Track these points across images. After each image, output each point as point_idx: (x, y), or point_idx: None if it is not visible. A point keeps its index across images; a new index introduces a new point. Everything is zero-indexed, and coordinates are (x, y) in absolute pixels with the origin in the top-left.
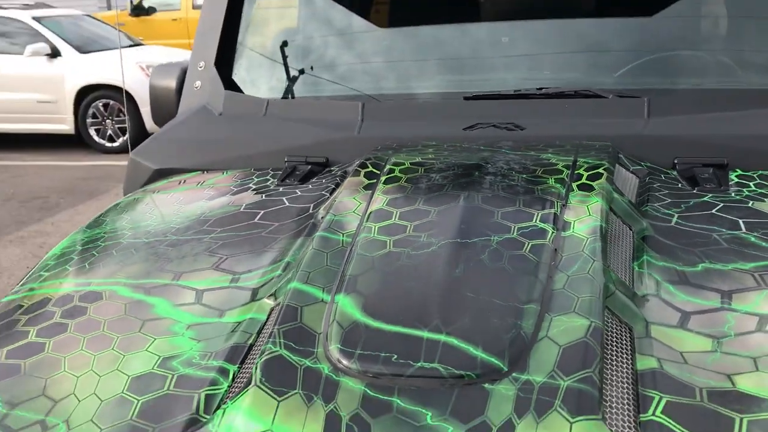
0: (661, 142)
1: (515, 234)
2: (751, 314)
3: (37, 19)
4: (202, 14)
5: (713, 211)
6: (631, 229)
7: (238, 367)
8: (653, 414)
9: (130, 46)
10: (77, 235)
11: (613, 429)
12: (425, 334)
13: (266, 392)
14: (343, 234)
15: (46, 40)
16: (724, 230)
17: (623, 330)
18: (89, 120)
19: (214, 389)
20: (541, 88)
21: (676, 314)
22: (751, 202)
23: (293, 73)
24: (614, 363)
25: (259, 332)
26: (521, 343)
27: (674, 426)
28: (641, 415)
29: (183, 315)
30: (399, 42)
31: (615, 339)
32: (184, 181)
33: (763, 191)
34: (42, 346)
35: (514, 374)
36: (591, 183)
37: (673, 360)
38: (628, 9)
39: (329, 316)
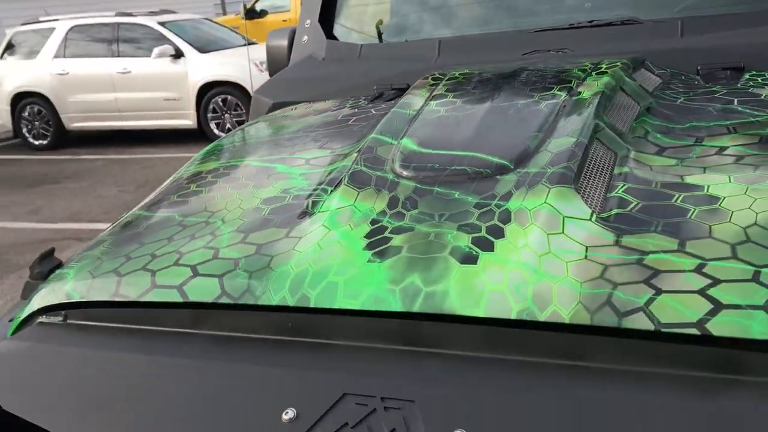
0: (687, 54)
1: (536, 99)
2: (715, 146)
3: (162, 24)
4: None
5: (717, 95)
6: (638, 104)
7: (334, 187)
8: (616, 192)
9: (246, 44)
10: (218, 141)
11: (583, 197)
12: (459, 152)
13: (350, 187)
14: (410, 109)
15: (171, 43)
16: (719, 105)
17: (608, 153)
18: (210, 114)
19: (318, 197)
20: (591, 21)
21: (655, 147)
22: (752, 89)
23: (381, 23)
24: (596, 169)
25: None
26: (525, 153)
27: (631, 199)
28: (608, 193)
29: (296, 170)
30: None
31: (600, 157)
32: (295, 108)
33: (767, 82)
34: (201, 191)
35: (517, 170)
36: (607, 70)
37: (642, 169)
38: None
39: (395, 150)
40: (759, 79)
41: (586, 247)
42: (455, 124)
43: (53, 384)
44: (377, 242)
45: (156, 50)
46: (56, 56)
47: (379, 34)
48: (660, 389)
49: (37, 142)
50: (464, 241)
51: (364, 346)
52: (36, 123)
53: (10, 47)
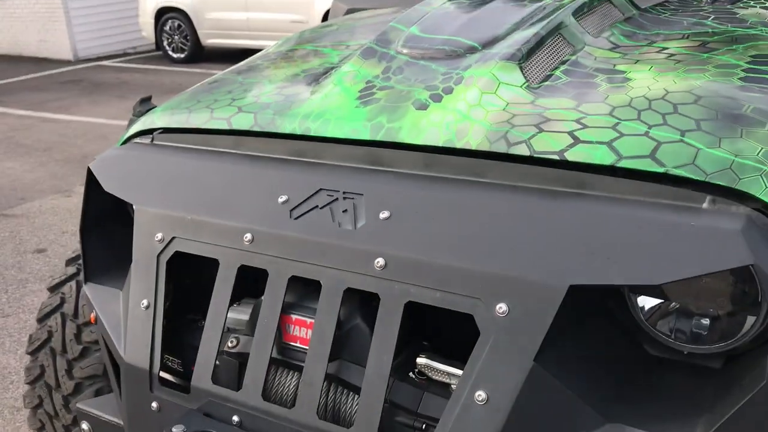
0: None
1: (526, 2)
2: (660, 47)
3: None
4: None
5: (701, 12)
6: (622, 14)
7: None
8: (553, 71)
9: None
10: (295, 33)
11: (524, 71)
12: (447, 36)
13: (360, 58)
14: (429, 6)
15: None
16: (694, 19)
17: (566, 45)
18: None
19: (339, 66)
20: None
21: (611, 45)
22: (736, 10)
23: None
24: (547, 55)
25: None
26: (494, 39)
27: (562, 76)
28: (548, 72)
29: (336, 52)
30: None
31: (555, 46)
32: (362, 13)
33: (754, 4)
34: (263, 64)
35: (483, 50)
36: None
37: (587, 59)
38: None
39: (403, 34)
40: (751, 2)
41: (507, 103)
42: (454, 17)
43: (138, 176)
44: (365, 95)
45: None
46: None
47: None
48: (531, 197)
49: (175, 55)
50: (424, 95)
51: (342, 165)
52: (176, 37)
53: None
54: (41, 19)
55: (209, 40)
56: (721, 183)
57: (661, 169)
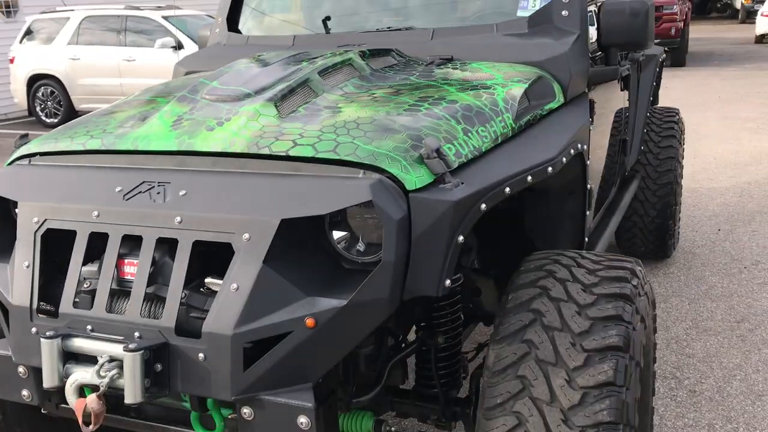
0: (431, 49)
1: (292, 64)
2: (368, 93)
3: (165, 18)
4: None
5: (413, 72)
6: (358, 72)
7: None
8: (298, 107)
9: None
10: (146, 88)
11: (278, 107)
12: (233, 87)
13: (175, 102)
14: (233, 68)
15: (173, 35)
16: (404, 76)
17: (310, 92)
18: None
19: (164, 108)
20: (389, 27)
21: (341, 92)
22: (435, 70)
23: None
24: (297, 98)
25: None
26: (263, 88)
27: (302, 111)
28: (295, 108)
29: (164, 99)
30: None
31: (303, 92)
32: (196, 73)
33: (452, 66)
34: (119, 105)
35: (255, 95)
36: (345, 53)
37: (322, 100)
38: None
39: (207, 86)
40: (449, 65)
41: (263, 126)
42: (243, 75)
43: (21, 183)
44: (176, 124)
45: (159, 41)
46: (70, 43)
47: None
48: (266, 176)
49: (48, 120)
50: (213, 122)
51: (158, 167)
52: (48, 103)
53: (29, 33)
54: None
55: (83, 105)
56: (366, 162)
57: (336, 156)
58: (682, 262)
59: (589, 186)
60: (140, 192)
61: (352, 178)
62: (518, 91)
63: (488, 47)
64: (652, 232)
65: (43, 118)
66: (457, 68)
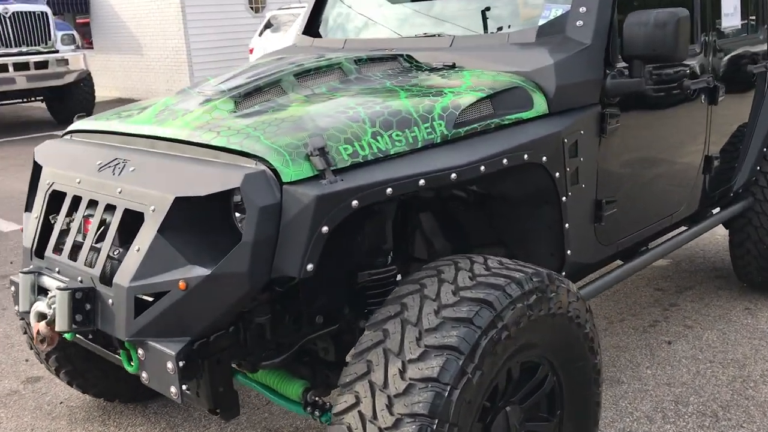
0: (449, 55)
1: (278, 65)
2: (338, 94)
3: None
4: None
5: (401, 75)
6: (345, 75)
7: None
8: (255, 106)
9: None
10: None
11: (237, 104)
12: (217, 85)
13: (175, 94)
14: (244, 67)
15: None
16: (387, 80)
17: (280, 91)
18: None
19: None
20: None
21: (309, 92)
22: (421, 75)
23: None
24: (264, 96)
25: None
26: (236, 87)
27: (263, 107)
28: (257, 106)
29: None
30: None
31: (272, 91)
32: None
33: (441, 73)
34: (149, 100)
35: (227, 92)
36: (337, 57)
37: (283, 99)
38: None
39: (209, 83)
40: (440, 72)
41: (211, 118)
42: (237, 74)
43: (51, 153)
44: (161, 113)
45: None
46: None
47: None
48: (184, 159)
49: None
50: (180, 114)
51: (129, 147)
52: None
53: (267, 26)
54: (169, 71)
55: None
56: (259, 155)
57: (240, 148)
58: None
59: (563, 198)
60: (109, 166)
61: (237, 167)
62: (468, 99)
63: (489, 56)
64: None
65: None
66: (442, 75)
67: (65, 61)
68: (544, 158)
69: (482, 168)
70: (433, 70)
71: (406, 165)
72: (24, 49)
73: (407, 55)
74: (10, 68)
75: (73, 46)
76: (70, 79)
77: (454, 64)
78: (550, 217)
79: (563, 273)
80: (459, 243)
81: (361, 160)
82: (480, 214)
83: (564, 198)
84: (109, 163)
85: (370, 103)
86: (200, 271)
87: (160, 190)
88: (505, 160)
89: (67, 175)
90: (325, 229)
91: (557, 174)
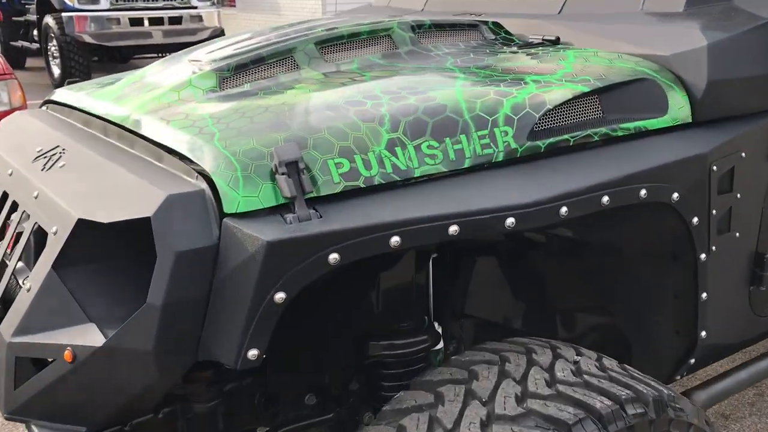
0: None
1: (298, 30)
2: (366, 73)
3: None
4: None
5: (470, 53)
6: (396, 48)
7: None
8: (248, 84)
9: None
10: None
11: (221, 79)
12: (209, 54)
13: (162, 61)
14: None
15: None
16: (451, 57)
17: (294, 65)
18: None
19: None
20: None
21: (330, 69)
22: (507, 52)
23: None
24: (261, 69)
25: None
26: (227, 57)
27: (251, 88)
28: (245, 85)
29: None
30: None
31: (275, 63)
32: None
33: (537, 51)
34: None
35: (214, 62)
36: (389, 22)
37: (285, 76)
38: None
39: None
40: (532, 49)
41: (174, 100)
42: (240, 41)
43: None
44: (131, 85)
45: None
46: None
47: None
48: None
49: None
50: (148, 89)
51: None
52: None
53: None
54: None
55: None
56: (200, 165)
57: (183, 151)
58: None
59: (702, 255)
60: (45, 157)
61: (166, 182)
62: (560, 94)
63: (610, 29)
64: None
65: None
66: (534, 54)
67: (199, 17)
68: (676, 195)
69: (563, 210)
70: (524, 46)
71: (435, 198)
72: (160, 3)
73: (494, 23)
74: (146, 22)
75: (209, 2)
76: (203, 35)
77: (558, 38)
78: (677, 282)
79: (692, 360)
80: (538, 303)
81: (362, 185)
82: (572, 266)
83: (703, 255)
84: (48, 151)
85: (405, 93)
86: (92, 339)
87: (68, 203)
88: (605, 199)
89: (3, 160)
90: (280, 296)
91: (695, 219)
